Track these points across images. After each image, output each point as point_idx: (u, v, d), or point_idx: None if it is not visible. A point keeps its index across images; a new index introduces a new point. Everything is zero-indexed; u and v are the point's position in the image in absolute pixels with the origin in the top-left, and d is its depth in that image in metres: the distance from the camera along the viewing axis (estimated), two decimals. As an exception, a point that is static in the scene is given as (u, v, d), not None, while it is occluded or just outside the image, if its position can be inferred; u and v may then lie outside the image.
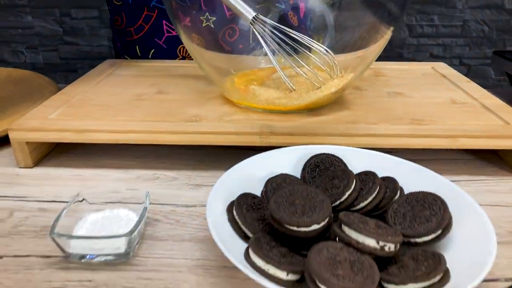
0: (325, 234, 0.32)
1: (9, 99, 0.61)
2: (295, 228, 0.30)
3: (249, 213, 0.34)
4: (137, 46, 0.78)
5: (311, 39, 0.48)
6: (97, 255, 0.33)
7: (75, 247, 0.33)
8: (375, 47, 0.50)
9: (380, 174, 0.37)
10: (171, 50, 0.76)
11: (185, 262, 0.34)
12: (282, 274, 0.28)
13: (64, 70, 1.77)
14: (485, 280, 0.32)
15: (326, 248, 0.29)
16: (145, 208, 0.36)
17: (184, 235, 0.37)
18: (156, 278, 0.32)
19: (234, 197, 0.35)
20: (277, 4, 0.55)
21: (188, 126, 0.46)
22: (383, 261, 0.30)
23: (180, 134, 0.45)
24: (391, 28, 0.50)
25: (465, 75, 0.63)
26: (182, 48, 0.77)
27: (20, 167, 0.47)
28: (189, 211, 0.40)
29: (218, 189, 0.36)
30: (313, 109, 0.50)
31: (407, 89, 0.58)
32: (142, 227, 0.35)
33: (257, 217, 0.34)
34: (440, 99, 0.54)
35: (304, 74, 0.48)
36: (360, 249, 0.29)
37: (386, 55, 1.32)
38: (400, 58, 1.75)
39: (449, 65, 0.69)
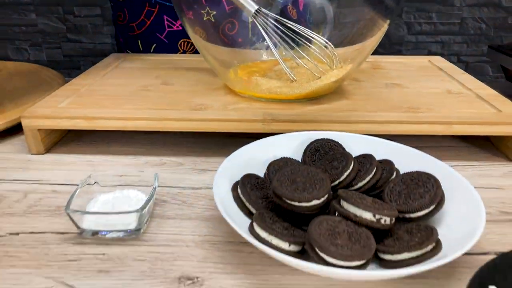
0: (325, 210, 0.34)
1: (19, 90, 0.63)
2: (296, 204, 0.32)
3: (253, 191, 0.36)
4: (139, 41, 0.80)
5: (311, 31, 0.50)
6: (110, 231, 0.35)
7: (88, 223, 0.35)
8: (372, 39, 0.52)
9: (378, 157, 0.39)
10: (172, 44, 0.78)
11: (193, 238, 0.36)
12: (284, 245, 0.30)
13: (67, 67, 1.80)
14: (477, 254, 0.34)
15: (326, 221, 0.31)
16: (154, 188, 0.38)
17: (191, 214, 0.39)
18: (166, 252, 0.34)
19: (238, 178, 0.37)
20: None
21: (194, 114, 0.48)
22: (380, 235, 0.32)
23: (187, 121, 0.47)
24: (388, 21, 0.52)
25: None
26: (182, 43, 0.79)
27: (32, 154, 0.49)
28: (195, 193, 0.42)
29: (224, 171, 0.37)
30: (313, 98, 0.52)
31: (405, 80, 0.60)
32: (152, 205, 0.37)
33: (261, 196, 0.36)
34: (436, 90, 0.56)
35: (305, 65, 0.50)
36: (358, 222, 0.31)
37: (385, 52, 1.33)
38: (399, 55, 1.77)
39: (446, 61, 0.71)
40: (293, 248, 0.31)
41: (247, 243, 0.35)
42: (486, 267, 0.30)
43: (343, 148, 0.42)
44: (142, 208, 0.34)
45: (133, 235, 0.36)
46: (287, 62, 0.52)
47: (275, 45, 0.50)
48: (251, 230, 0.32)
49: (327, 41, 0.50)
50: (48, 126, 0.48)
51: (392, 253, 0.30)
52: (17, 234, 0.36)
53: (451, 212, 0.34)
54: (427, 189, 0.34)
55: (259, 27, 0.50)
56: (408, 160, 0.40)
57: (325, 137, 0.43)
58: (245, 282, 0.31)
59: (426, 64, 0.68)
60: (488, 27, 1.71)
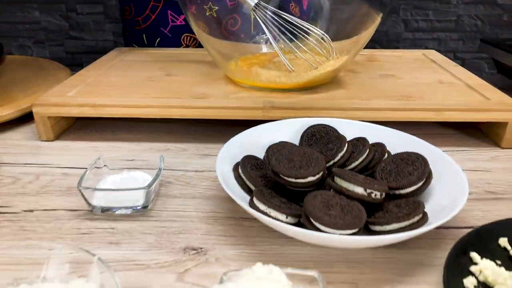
0: (320, 187, 0.36)
1: (28, 81, 0.65)
2: (293, 180, 0.35)
3: (253, 171, 0.38)
4: (144, 35, 0.82)
5: (309, 24, 0.52)
6: (118, 208, 0.38)
7: (98, 200, 0.38)
8: (366, 32, 0.55)
9: (371, 141, 0.41)
10: (176, 38, 0.81)
11: (196, 214, 0.38)
12: (282, 217, 0.33)
13: (70, 64, 1.81)
14: (462, 227, 0.36)
15: (320, 194, 0.33)
16: (160, 169, 0.40)
17: (194, 194, 0.41)
18: (172, 226, 0.36)
19: (239, 160, 0.40)
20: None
21: (197, 102, 0.50)
22: (371, 209, 0.34)
23: (190, 109, 0.50)
24: (381, 15, 0.54)
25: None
26: (185, 37, 0.81)
27: (42, 140, 0.52)
28: (198, 175, 0.44)
29: (225, 153, 0.40)
30: (311, 88, 0.55)
31: (399, 72, 0.62)
32: (157, 185, 0.40)
33: (260, 175, 0.38)
34: (428, 80, 0.58)
35: (302, 56, 0.53)
36: (350, 195, 0.33)
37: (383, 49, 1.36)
38: (396, 52, 1.79)
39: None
40: (290, 220, 0.33)
41: (247, 218, 0.37)
42: (468, 236, 0.32)
43: (338, 133, 0.44)
44: (150, 185, 0.37)
45: (140, 212, 0.38)
46: (286, 55, 0.54)
47: (274, 38, 0.53)
48: (251, 204, 0.34)
49: (324, 33, 0.53)
50: (58, 113, 0.51)
51: (381, 224, 0.32)
52: (31, 211, 0.39)
53: (438, 190, 0.36)
54: (416, 167, 0.36)
55: (259, 20, 0.52)
56: (399, 142, 0.42)
57: (321, 123, 0.45)
58: (245, 252, 0.33)
59: (420, 57, 0.70)
60: (483, 24, 1.73)
